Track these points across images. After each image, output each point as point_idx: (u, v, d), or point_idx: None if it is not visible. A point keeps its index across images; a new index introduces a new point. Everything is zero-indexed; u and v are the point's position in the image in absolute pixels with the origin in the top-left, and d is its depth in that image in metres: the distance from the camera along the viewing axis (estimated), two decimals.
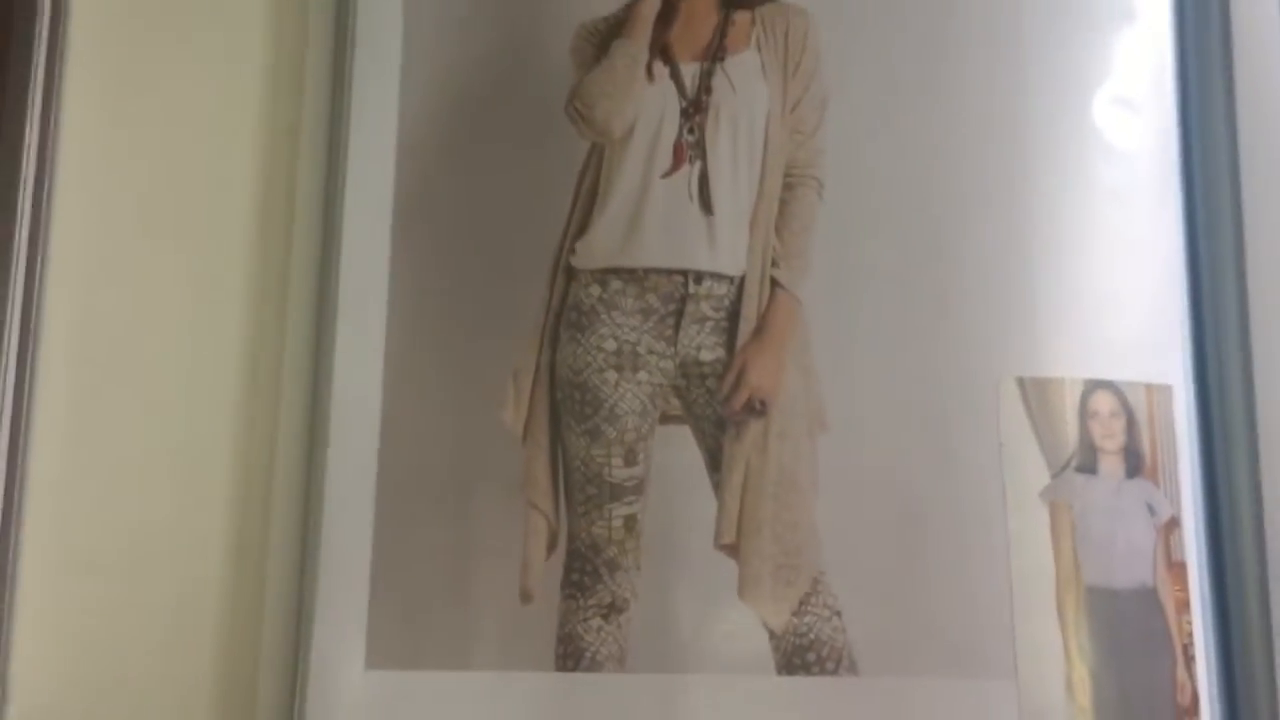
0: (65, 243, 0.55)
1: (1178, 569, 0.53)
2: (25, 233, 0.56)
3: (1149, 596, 0.53)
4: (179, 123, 0.58)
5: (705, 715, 0.52)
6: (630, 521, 0.54)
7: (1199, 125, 0.57)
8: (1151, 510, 0.53)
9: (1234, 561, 0.54)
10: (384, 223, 0.56)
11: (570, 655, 0.53)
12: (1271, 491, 0.53)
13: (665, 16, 0.57)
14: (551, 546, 0.54)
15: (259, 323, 0.56)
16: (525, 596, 0.53)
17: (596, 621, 0.53)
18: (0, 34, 0.57)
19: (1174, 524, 0.53)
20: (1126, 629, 0.52)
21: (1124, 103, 0.57)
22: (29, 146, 0.57)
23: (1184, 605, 0.53)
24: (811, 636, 0.52)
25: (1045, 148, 0.56)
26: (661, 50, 0.57)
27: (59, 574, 0.53)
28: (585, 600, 0.53)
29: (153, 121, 0.58)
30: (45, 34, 0.58)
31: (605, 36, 0.57)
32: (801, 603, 0.53)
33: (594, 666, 0.52)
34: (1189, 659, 0.52)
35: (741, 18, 0.58)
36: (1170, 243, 0.56)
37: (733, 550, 0.53)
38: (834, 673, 0.52)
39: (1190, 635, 0.53)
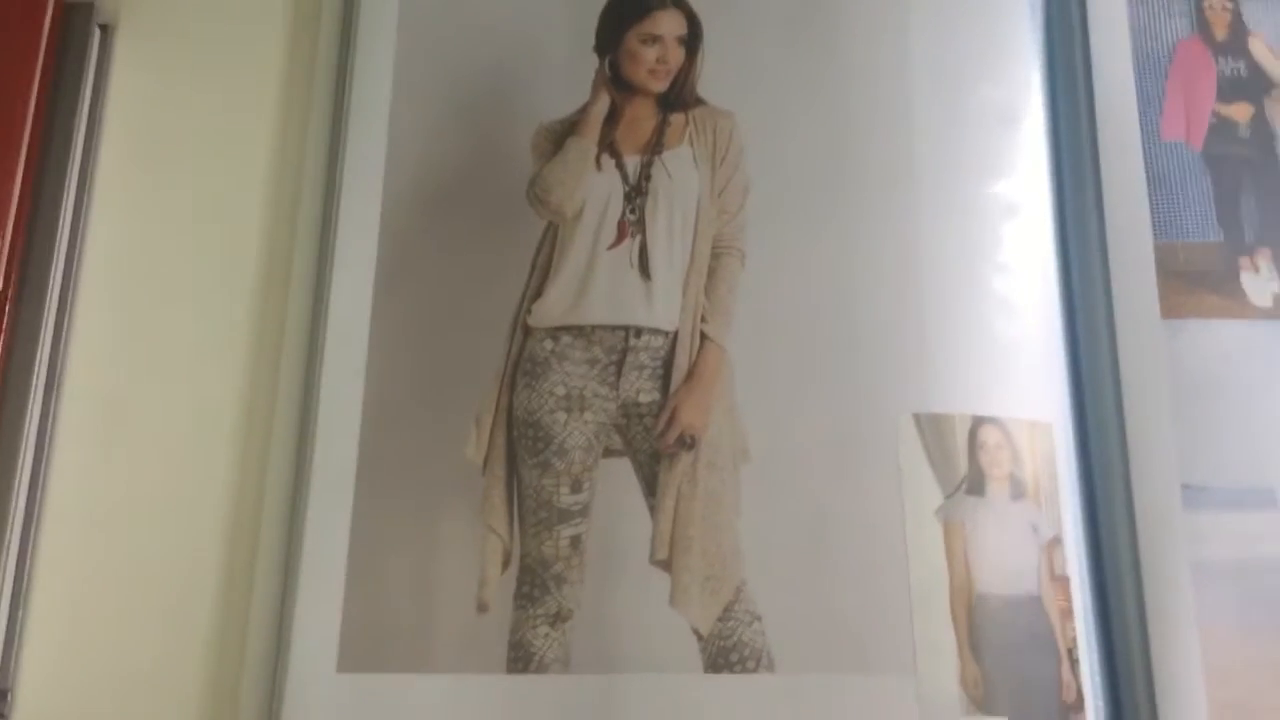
0: (90, 298, 0.65)
1: (1061, 582, 0.60)
2: (56, 298, 0.65)
3: (1035, 604, 0.59)
4: (194, 197, 0.68)
5: (641, 711, 0.58)
6: (575, 541, 0.61)
7: (1072, 203, 0.66)
8: (1035, 529, 0.60)
9: (1113, 575, 0.60)
10: (366, 287, 0.64)
11: (520, 659, 0.59)
12: (1143, 511, 0.60)
13: (612, 118, 0.67)
14: (505, 564, 0.61)
15: (255, 370, 0.64)
16: (481, 607, 0.60)
17: (544, 629, 0.59)
18: (43, 136, 0.67)
19: (1056, 542, 0.60)
20: (1014, 632, 0.58)
21: (1008, 185, 0.66)
22: (62, 228, 0.66)
23: (1068, 614, 0.59)
24: (735, 639, 0.59)
25: (940, 225, 0.65)
26: (609, 145, 0.67)
27: (68, 585, 0.61)
28: (534, 610, 0.60)
29: (172, 195, 0.68)
30: (83, 130, 0.69)
31: (561, 134, 0.67)
32: (726, 610, 0.59)
33: (541, 669, 0.59)
34: (1073, 661, 0.58)
35: (677, 118, 0.68)
36: (1049, 301, 0.64)
37: (665, 565, 0.60)
38: (754, 671, 0.58)
39: (1074, 640, 0.59)
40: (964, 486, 0.60)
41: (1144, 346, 0.63)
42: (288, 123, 0.70)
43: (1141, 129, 0.67)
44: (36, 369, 0.63)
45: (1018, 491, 0.60)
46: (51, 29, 0.68)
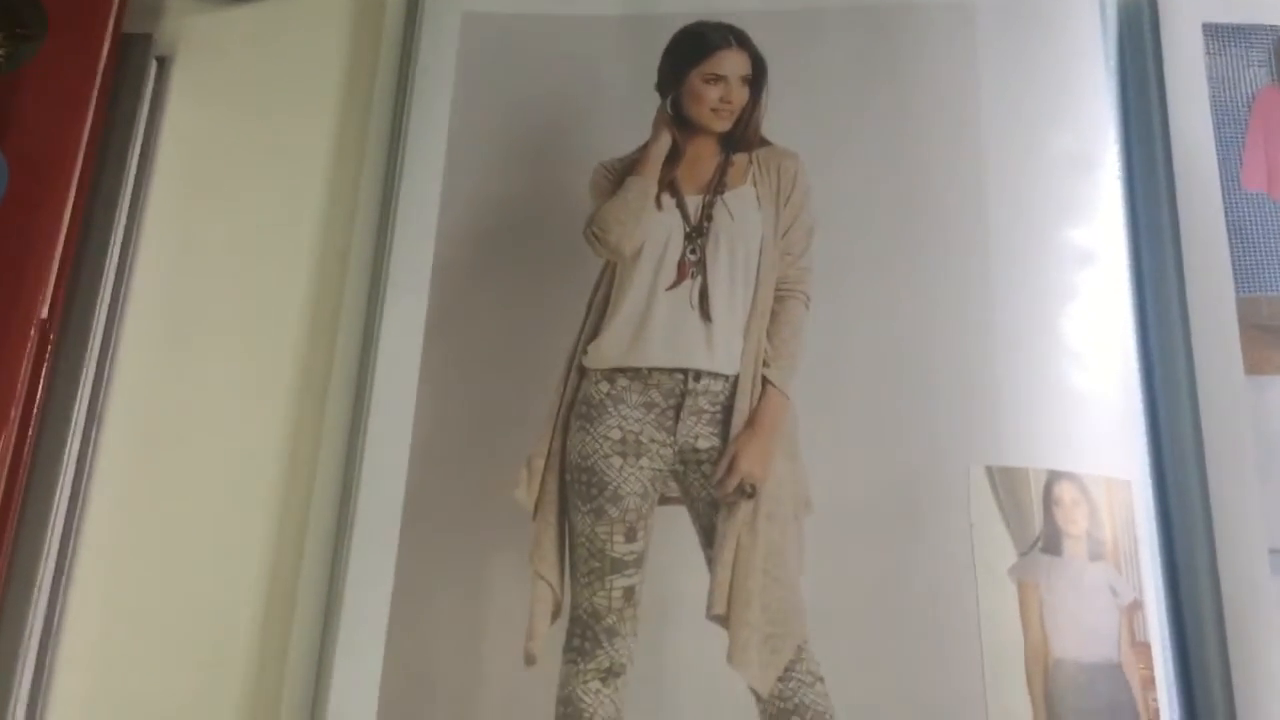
0: (135, 332, 0.64)
1: (1142, 648, 0.56)
2: (100, 331, 0.64)
3: (1115, 672, 0.56)
4: (244, 243, 0.67)
5: None
6: (629, 593, 0.58)
7: (1149, 253, 0.64)
8: (1114, 592, 0.57)
9: (1196, 642, 0.57)
10: (418, 325, 0.63)
11: (569, 715, 0.56)
12: (1229, 577, 0.57)
13: (673, 157, 0.66)
14: (555, 614, 0.58)
15: (301, 410, 0.63)
16: (529, 659, 0.57)
17: (595, 684, 0.57)
18: (96, 166, 0.66)
19: (1137, 606, 0.57)
20: (1093, 701, 0.55)
21: (1083, 233, 0.63)
22: (110, 261, 0.65)
23: (1149, 682, 0.56)
24: (795, 701, 0.56)
25: (1012, 271, 0.62)
26: (669, 184, 0.65)
27: (100, 630, 0.59)
28: (585, 664, 0.57)
29: (222, 231, 0.67)
30: (135, 161, 0.68)
31: (620, 173, 0.65)
32: (787, 669, 0.56)
33: None
34: None
35: (740, 158, 0.66)
36: (1126, 353, 0.62)
37: (723, 620, 0.57)
38: None
39: (1156, 711, 0.55)
40: (1039, 545, 0.57)
41: (1226, 404, 0.60)
42: (342, 158, 0.69)
43: (1221, 179, 0.65)
44: (77, 405, 0.61)
45: (1095, 552, 0.57)
46: (109, 59, 0.67)
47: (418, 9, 0.70)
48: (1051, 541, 0.57)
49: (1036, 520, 0.58)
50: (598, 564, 0.58)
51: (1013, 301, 0.62)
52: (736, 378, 0.61)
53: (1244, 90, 0.67)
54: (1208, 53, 0.68)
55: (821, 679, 0.56)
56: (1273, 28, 0.69)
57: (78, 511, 0.60)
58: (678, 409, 0.61)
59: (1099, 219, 0.64)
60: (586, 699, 0.56)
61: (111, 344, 0.64)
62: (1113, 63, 0.68)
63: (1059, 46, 0.67)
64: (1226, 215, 0.64)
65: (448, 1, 0.71)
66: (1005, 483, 0.58)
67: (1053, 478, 0.58)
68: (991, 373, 0.60)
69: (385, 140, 0.68)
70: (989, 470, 0.58)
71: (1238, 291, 0.63)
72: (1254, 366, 0.61)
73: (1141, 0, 0.69)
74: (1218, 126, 0.66)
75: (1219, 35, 0.68)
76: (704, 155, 0.66)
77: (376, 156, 0.68)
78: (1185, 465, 0.60)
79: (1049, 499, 0.58)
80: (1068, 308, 0.62)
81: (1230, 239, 0.64)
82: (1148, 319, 0.63)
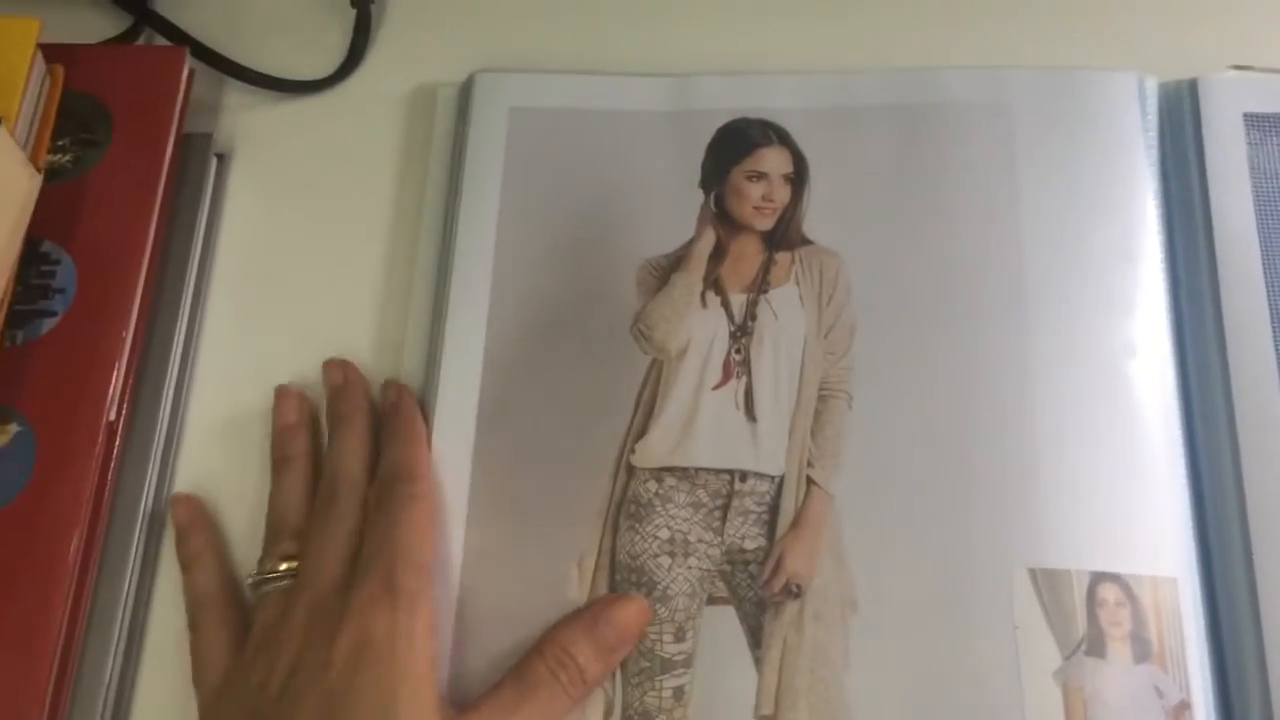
0: (198, 432, 0.67)
1: None
2: (164, 430, 0.66)
3: None
4: (299, 340, 0.69)
5: None
6: (679, 692, 0.59)
7: (1193, 345, 0.64)
8: (1160, 693, 0.57)
9: None
10: (469, 425, 0.64)
11: None
12: (1278, 676, 0.57)
13: (717, 255, 0.67)
14: (608, 714, 0.59)
15: None
16: None
17: None
18: (160, 264, 0.69)
19: (1184, 707, 0.57)
20: None
21: (1127, 326, 0.64)
22: (174, 359, 0.67)
23: None
24: None
25: (1055, 367, 0.63)
26: (714, 283, 0.67)
27: None
28: None
29: (277, 341, 0.69)
30: (198, 258, 0.70)
31: (666, 270, 0.67)
32: None
33: None
34: None
35: (783, 257, 0.67)
36: (1170, 448, 0.62)
37: None
38: None
39: None
40: (1083, 647, 0.58)
41: (1271, 499, 0.60)
42: (395, 254, 0.71)
43: (1264, 271, 0.65)
44: (143, 506, 0.63)
45: (1141, 653, 0.58)
46: (172, 160, 0.69)
47: (469, 103, 0.72)
48: (1095, 644, 0.58)
49: (1080, 623, 0.58)
50: (647, 664, 0.60)
51: (1055, 397, 0.62)
52: (781, 478, 0.62)
53: None
54: (1249, 143, 0.68)
55: None
56: None
57: (144, 610, 0.63)
58: (725, 509, 0.62)
59: (1142, 312, 0.65)
60: None
61: (174, 443, 0.66)
62: (1154, 154, 0.68)
63: (1100, 139, 0.68)
64: (1270, 308, 0.64)
65: (495, 96, 0.72)
66: (1048, 585, 0.59)
67: (1095, 579, 0.59)
68: (1034, 471, 0.61)
69: (438, 237, 0.70)
70: (1032, 572, 0.59)
71: None
72: None
73: (1183, 90, 0.70)
74: (1260, 217, 0.66)
75: (1260, 125, 0.69)
76: (748, 253, 0.67)
77: (428, 252, 0.70)
78: (1232, 561, 0.60)
79: (1092, 601, 0.58)
80: (1110, 404, 0.62)
81: (1275, 332, 0.64)
82: (1192, 413, 0.63)
